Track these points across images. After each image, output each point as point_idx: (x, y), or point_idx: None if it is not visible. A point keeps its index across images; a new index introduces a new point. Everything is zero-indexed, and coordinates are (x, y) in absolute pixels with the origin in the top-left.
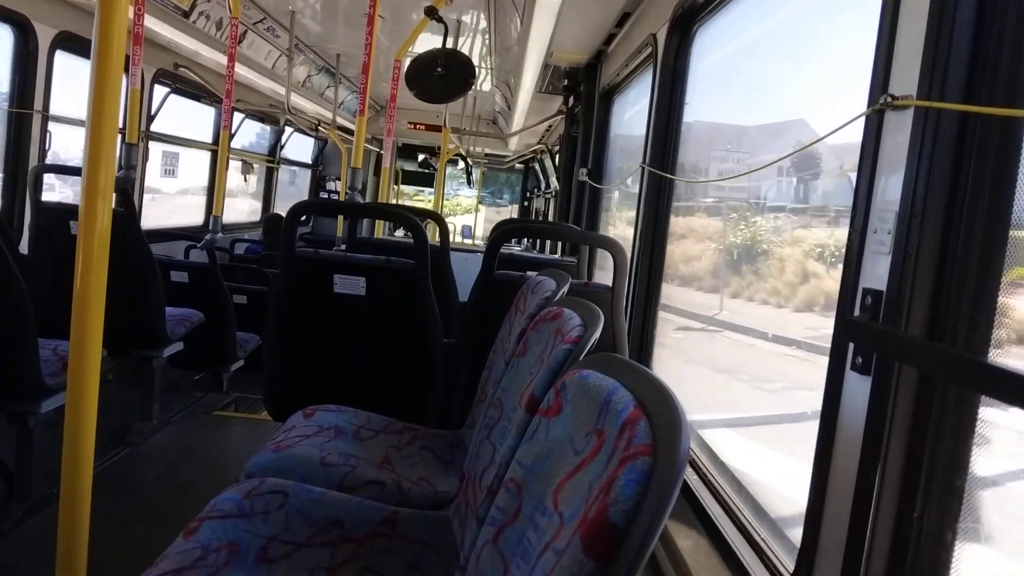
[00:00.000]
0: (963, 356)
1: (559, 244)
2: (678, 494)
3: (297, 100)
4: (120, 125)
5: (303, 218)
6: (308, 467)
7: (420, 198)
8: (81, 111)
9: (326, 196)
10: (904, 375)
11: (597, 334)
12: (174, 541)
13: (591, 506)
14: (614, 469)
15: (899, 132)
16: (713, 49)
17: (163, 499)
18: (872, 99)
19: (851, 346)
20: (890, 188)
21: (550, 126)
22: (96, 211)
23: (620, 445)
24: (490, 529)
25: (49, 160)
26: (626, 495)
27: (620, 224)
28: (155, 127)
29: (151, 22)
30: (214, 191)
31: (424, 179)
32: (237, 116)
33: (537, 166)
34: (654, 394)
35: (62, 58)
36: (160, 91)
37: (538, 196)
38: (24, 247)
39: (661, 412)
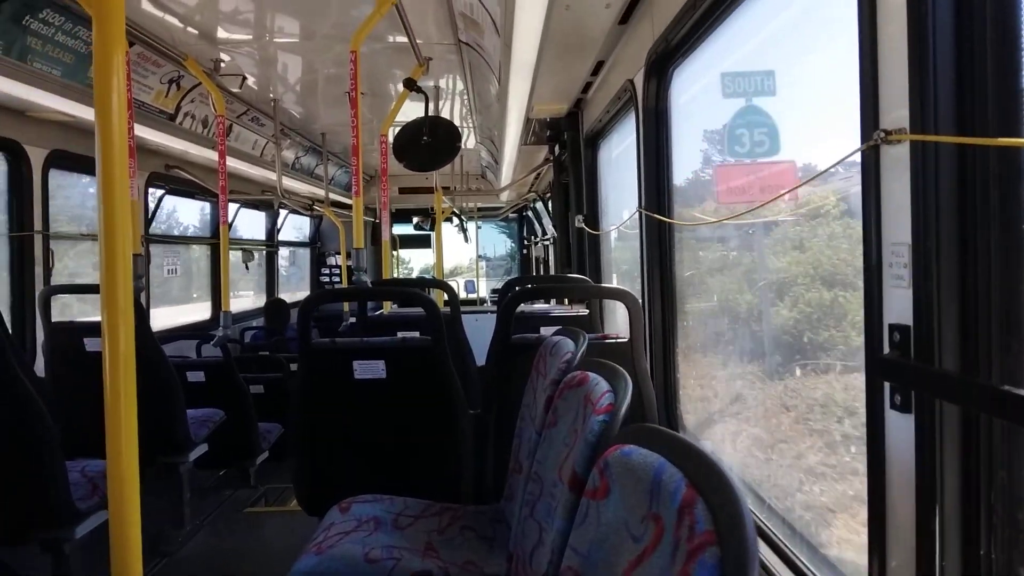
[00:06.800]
0: (1004, 390)
1: None
2: None
3: (288, 182)
4: None
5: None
6: (353, 566)
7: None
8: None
9: (327, 272)
10: (947, 408)
11: (628, 400)
12: None
13: None
14: (683, 565)
15: (898, 165)
16: (694, 84)
17: None
18: (865, 135)
19: (887, 384)
20: (899, 221)
21: (539, 173)
22: (119, 327)
23: (683, 534)
24: None
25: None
26: None
27: (624, 265)
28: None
29: (139, 129)
30: (220, 286)
31: (421, 241)
32: (231, 206)
33: (531, 213)
34: (705, 470)
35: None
36: (155, 194)
37: (535, 243)
38: (39, 370)
39: (717, 492)
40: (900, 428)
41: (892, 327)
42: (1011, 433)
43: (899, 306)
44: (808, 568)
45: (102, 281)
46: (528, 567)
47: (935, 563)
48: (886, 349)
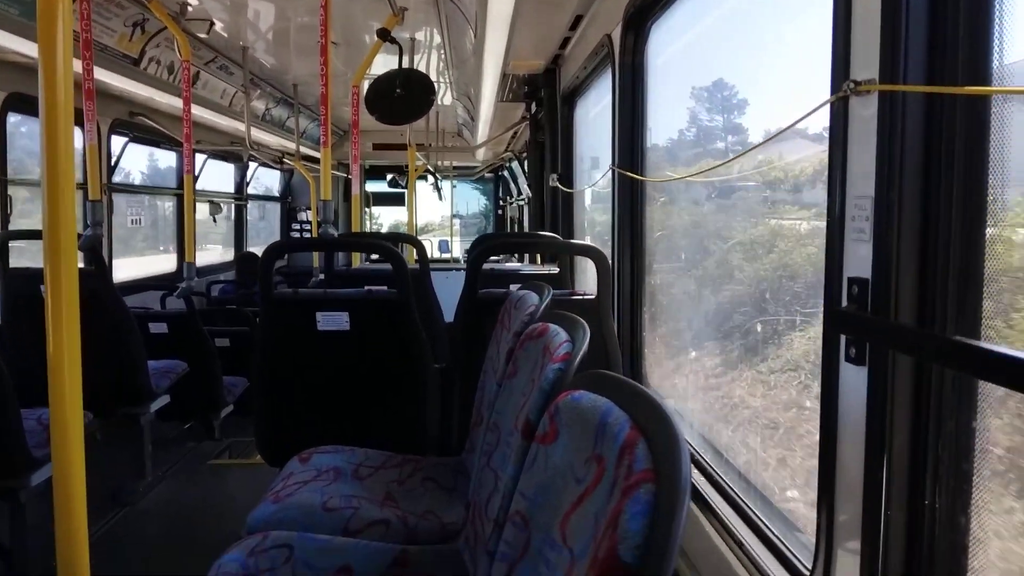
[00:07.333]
0: (957, 341)
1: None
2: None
3: (258, 134)
4: (81, 181)
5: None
6: (310, 515)
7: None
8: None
9: (298, 227)
10: (899, 361)
11: (584, 349)
12: None
13: (600, 543)
14: (618, 501)
15: (866, 117)
16: (671, 44)
17: (166, 560)
18: (835, 86)
19: (843, 337)
20: (863, 174)
21: (516, 132)
22: (61, 273)
23: (621, 473)
24: (502, 565)
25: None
26: (633, 530)
27: (598, 224)
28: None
29: (101, 74)
30: (184, 237)
31: (395, 199)
32: (199, 157)
33: (507, 173)
34: (649, 412)
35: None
36: (119, 141)
37: (511, 203)
38: None
39: (658, 432)
40: (853, 380)
41: (851, 280)
42: (961, 385)
43: (859, 260)
44: (738, 494)
45: (44, 223)
46: (484, 514)
47: (880, 513)
48: (844, 302)
